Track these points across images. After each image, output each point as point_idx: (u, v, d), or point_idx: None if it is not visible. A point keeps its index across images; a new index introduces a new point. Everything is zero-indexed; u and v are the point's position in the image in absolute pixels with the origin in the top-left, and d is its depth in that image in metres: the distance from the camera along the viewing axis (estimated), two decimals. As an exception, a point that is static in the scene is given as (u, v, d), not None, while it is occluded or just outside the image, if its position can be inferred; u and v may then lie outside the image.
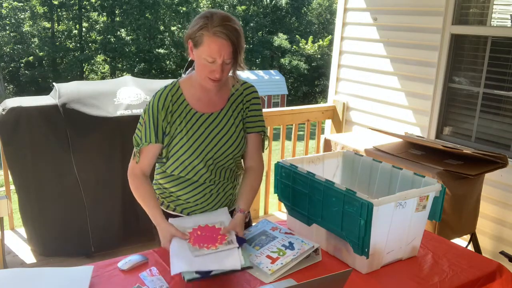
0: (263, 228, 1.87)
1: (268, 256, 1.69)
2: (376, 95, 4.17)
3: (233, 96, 1.82)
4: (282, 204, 2.12)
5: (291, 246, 1.73)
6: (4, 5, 22.49)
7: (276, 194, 2.06)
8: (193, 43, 1.65)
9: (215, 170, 1.80)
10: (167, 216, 1.81)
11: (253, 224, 1.97)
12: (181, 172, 1.78)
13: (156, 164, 1.87)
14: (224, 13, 1.66)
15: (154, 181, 1.92)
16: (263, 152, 1.95)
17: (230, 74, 1.74)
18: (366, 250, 1.63)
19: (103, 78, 24.09)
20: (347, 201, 1.65)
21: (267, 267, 1.63)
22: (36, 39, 23.61)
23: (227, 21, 1.60)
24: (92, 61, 24.92)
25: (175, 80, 1.84)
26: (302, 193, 1.86)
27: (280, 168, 1.97)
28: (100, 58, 24.97)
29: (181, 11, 24.79)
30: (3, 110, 3.01)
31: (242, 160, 1.92)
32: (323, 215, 1.78)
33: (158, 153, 1.77)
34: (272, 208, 4.23)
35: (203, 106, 1.76)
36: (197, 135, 1.74)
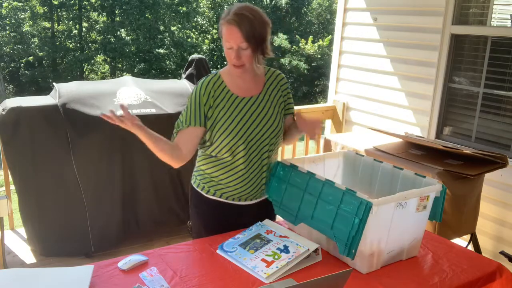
0: (258, 231, 1.87)
1: (263, 260, 1.68)
2: (376, 95, 4.17)
3: (268, 81, 1.98)
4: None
5: (286, 249, 1.72)
6: (4, 5, 22.47)
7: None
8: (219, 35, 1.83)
9: (254, 152, 1.91)
10: (205, 200, 1.98)
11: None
12: (225, 154, 1.89)
13: (199, 151, 1.98)
14: (244, 5, 1.82)
15: (195, 168, 2.03)
16: None
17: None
18: (353, 250, 1.61)
19: (103, 78, 24.07)
20: (345, 200, 1.65)
21: (262, 270, 1.63)
22: (36, 39, 23.59)
23: (241, 11, 1.77)
24: (92, 61, 24.90)
25: (216, 71, 1.99)
26: (297, 192, 1.86)
27: (279, 167, 1.97)
28: (100, 58, 24.96)
29: (181, 11, 24.77)
30: (3, 110, 3.01)
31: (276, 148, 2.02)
32: (314, 214, 1.77)
33: (198, 136, 1.89)
34: (272, 208, 4.22)
35: (243, 91, 1.92)
36: (239, 117, 1.88)
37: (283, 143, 2.11)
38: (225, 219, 1.99)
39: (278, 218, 2.05)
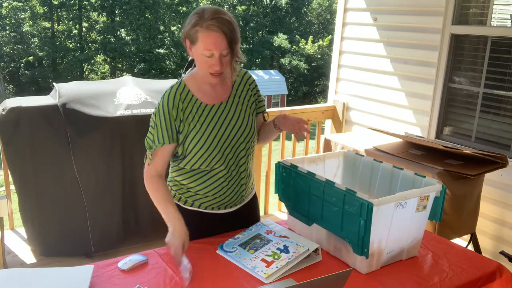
0: (258, 231, 1.87)
1: (263, 260, 1.68)
2: (376, 95, 4.17)
3: (235, 83, 1.88)
4: (282, 204, 2.13)
5: (286, 249, 1.72)
6: (4, 5, 22.50)
7: (276, 194, 2.06)
8: (190, 41, 1.69)
9: (231, 160, 1.84)
10: (184, 211, 1.84)
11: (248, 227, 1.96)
12: (201, 165, 1.81)
13: (171, 162, 1.91)
14: (215, 7, 1.70)
15: (169, 178, 1.95)
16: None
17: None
18: (365, 250, 1.63)
19: (103, 78, 24.11)
20: (347, 201, 1.66)
21: (262, 270, 1.63)
22: (36, 39, 23.62)
23: (218, 14, 1.64)
24: (92, 61, 24.93)
25: (180, 79, 1.88)
26: (303, 193, 1.86)
27: (281, 168, 1.97)
28: (100, 58, 24.99)
29: (181, 11, 24.80)
30: (3, 110, 3.01)
31: (253, 151, 1.96)
32: (323, 215, 1.78)
33: (173, 152, 1.81)
34: (272, 208, 4.23)
35: (211, 98, 1.81)
36: (211, 126, 1.78)
37: (257, 144, 2.04)
38: (207, 229, 1.91)
39: (276, 218, 2.05)
